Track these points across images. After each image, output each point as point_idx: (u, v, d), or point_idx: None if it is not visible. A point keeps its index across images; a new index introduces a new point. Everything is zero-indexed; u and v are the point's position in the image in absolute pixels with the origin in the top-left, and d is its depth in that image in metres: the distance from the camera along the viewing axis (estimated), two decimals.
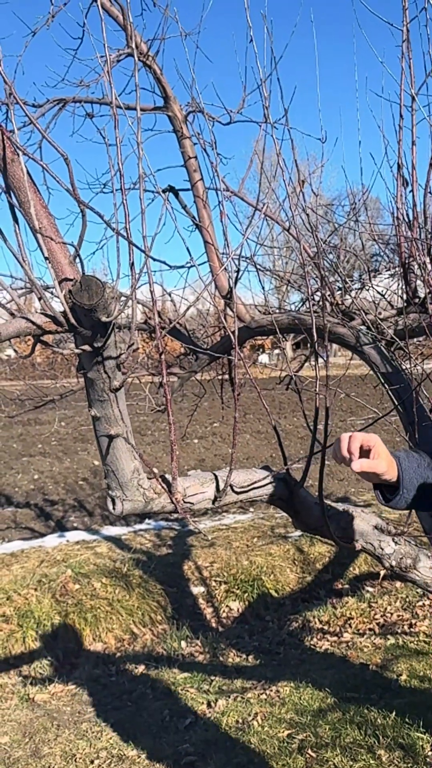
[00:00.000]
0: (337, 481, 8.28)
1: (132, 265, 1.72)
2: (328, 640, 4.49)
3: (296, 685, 3.67)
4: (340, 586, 5.48)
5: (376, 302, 3.22)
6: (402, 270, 2.88)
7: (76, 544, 6.12)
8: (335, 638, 4.50)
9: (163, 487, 2.03)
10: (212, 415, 12.77)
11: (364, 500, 7.28)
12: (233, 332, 2.21)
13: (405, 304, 2.96)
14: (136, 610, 5.11)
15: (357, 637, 4.42)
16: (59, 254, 1.74)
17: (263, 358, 20.25)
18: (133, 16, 3.37)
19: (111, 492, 2.01)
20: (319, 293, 3.10)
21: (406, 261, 2.83)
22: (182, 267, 2.43)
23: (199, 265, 2.41)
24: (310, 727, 3.19)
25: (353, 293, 3.24)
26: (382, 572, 5.10)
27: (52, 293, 1.73)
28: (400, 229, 2.78)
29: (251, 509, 7.17)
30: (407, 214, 2.77)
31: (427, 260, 2.78)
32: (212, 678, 3.98)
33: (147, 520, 6.90)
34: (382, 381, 2.89)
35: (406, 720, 3.11)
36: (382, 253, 3.57)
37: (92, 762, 3.15)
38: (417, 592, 4.84)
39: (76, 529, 6.84)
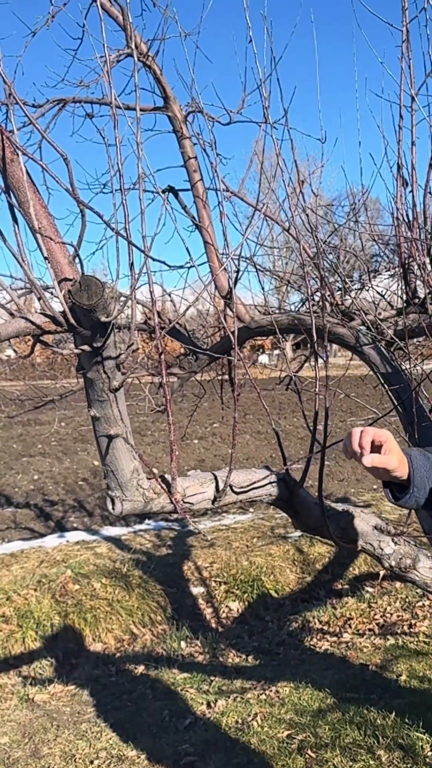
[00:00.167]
0: (337, 481, 8.28)
1: (131, 265, 1.72)
2: (327, 641, 4.49)
3: (296, 686, 3.67)
4: (339, 586, 5.48)
5: (376, 302, 3.22)
6: (402, 270, 2.88)
7: (75, 545, 6.12)
8: (335, 638, 4.50)
9: (162, 487, 2.03)
10: (212, 415, 12.77)
11: (363, 501, 7.28)
12: (233, 332, 2.21)
13: (405, 305, 2.96)
14: (136, 610, 5.11)
15: (357, 638, 4.42)
16: (59, 254, 1.74)
17: (263, 358, 20.26)
18: (133, 17, 3.37)
19: (110, 492, 2.01)
20: (318, 293, 3.10)
21: (406, 261, 2.83)
22: (182, 267, 2.42)
23: (198, 265, 2.40)
24: (310, 727, 3.19)
25: (353, 293, 3.24)
26: (382, 572, 5.10)
27: (51, 293, 1.73)
28: (399, 229, 2.78)
29: (251, 509, 7.17)
30: (407, 215, 2.77)
31: (427, 260, 2.78)
32: (212, 678, 3.98)
33: (147, 521, 6.90)
34: (382, 381, 2.89)
35: (406, 720, 3.11)
36: (381, 254, 3.57)
37: (92, 762, 3.15)
38: (417, 593, 4.84)
39: (75, 529, 6.84)
